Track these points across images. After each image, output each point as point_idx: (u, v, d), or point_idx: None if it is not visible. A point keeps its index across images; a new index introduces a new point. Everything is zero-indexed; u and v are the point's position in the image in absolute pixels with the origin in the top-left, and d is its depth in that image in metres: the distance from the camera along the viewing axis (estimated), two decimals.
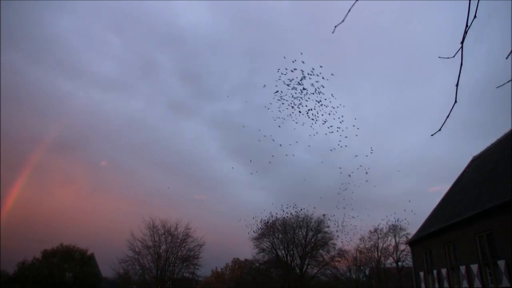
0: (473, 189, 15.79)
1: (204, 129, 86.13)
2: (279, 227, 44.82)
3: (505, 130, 16.43)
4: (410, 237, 31.07)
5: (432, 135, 2.96)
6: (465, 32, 2.57)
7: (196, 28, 76.88)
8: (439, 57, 2.94)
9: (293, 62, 14.54)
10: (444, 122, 2.77)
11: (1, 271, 45.19)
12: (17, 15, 66.35)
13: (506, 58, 2.46)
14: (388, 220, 51.92)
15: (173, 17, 75.65)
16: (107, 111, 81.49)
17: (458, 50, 2.58)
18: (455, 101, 2.74)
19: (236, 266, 54.62)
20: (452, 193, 18.97)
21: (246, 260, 51.37)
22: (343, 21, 2.91)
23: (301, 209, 43.44)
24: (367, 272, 47.43)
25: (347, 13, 2.85)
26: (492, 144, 17.70)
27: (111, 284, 47.12)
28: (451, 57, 2.66)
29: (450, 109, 2.71)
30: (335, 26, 2.99)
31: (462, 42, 2.59)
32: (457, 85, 2.71)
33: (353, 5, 2.84)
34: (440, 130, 2.84)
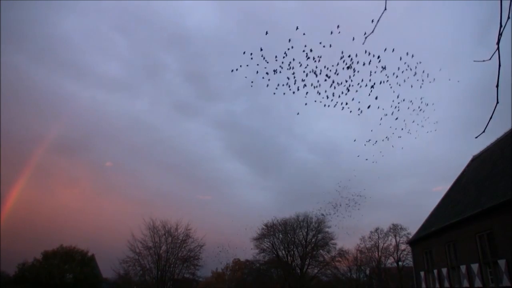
0: (473, 189, 15.81)
1: (209, 129, 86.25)
2: (280, 227, 44.88)
3: (505, 129, 16.45)
4: (410, 236, 31.11)
5: (476, 137, 3.03)
6: (500, 34, 2.58)
7: (202, 28, 76.86)
8: (474, 60, 2.98)
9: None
10: (488, 124, 2.80)
11: (1, 272, 45.21)
12: (21, 15, 66.40)
13: None
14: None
15: (179, 17, 75.52)
16: (111, 111, 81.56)
17: (495, 52, 2.60)
18: (497, 102, 2.75)
19: (237, 267, 54.60)
20: (452, 192, 18.98)
21: (246, 260, 51.37)
22: (372, 31, 2.96)
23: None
24: (367, 272, 47.46)
25: (376, 24, 2.89)
26: (492, 144, 17.71)
27: (111, 285, 47.09)
28: (487, 60, 2.67)
29: (493, 110, 2.73)
30: (365, 37, 3.05)
31: (498, 43, 2.61)
32: (497, 86, 2.72)
33: (381, 15, 2.87)
34: (484, 131, 2.88)
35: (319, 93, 13.22)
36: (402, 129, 15.03)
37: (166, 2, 75.74)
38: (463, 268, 14.13)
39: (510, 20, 2.54)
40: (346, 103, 13.43)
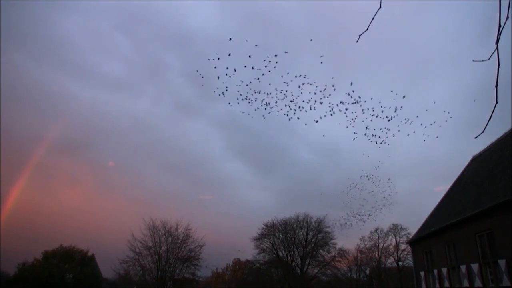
0: (473, 189, 15.81)
1: (210, 129, 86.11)
2: (280, 227, 44.89)
3: (505, 129, 16.45)
4: (410, 236, 31.09)
5: (475, 137, 3.05)
6: (499, 34, 2.59)
7: (205, 28, 76.60)
8: (473, 60, 2.99)
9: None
10: (487, 124, 2.81)
11: (1, 272, 45.22)
12: (23, 15, 66.39)
13: None
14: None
15: (181, 17, 75.32)
16: (113, 111, 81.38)
17: (494, 52, 2.61)
18: (496, 102, 2.76)
19: (237, 267, 54.62)
20: (452, 192, 18.99)
21: (246, 260, 51.38)
22: (367, 29, 2.95)
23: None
24: (367, 272, 47.46)
25: (371, 21, 2.88)
26: (492, 144, 17.71)
27: (111, 285, 47.11)
28: (486, 60, 2.68)
29: (492, 110, 2.73)
30: (359, 35, 3.03)
31: (497, 43, 2.62)
32: (496, 86, 2.73)
33: (376, 13, 2.87)
34: (483, 132, 2.89)
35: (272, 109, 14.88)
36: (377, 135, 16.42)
37: (168, 2, 75.63)
38: (463, 268, 14.13)
39: (509, 20, 2.55)
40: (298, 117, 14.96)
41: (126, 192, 77.56)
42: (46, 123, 74.57)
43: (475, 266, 13.29)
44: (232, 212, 75.42)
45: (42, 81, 71.78)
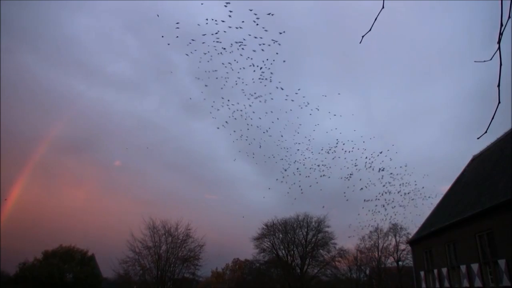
0: (473, 189, 15.81)
1: (216, 129, 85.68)
2: (280, 227, 44.90)
3: (505, 129, 16.45)
4: (410, 236, 31.10)
5: (478, 138, 3.06)
6: (501, 33, 2.60)
7: (213, 28, 75.66)
8: (475, 61, 3.01)
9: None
10: (490, 124, 2.80)
11: (1, 271, 45.24)
12: (30, 14, 66.27)
13: None
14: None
15: (190, 17, 74.58)
16: (119, 111, 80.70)
17: (496, 52, 2.61)
18: (499, 102, 2.76)
19: (237, 266, 54.63)
20: (452, 192, 18.99)
21: (246, 260, 51.41)
22: (370, 30, 2.96)
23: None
24: (367, 271, 47.44)
25: (374, 22, 2.88)
26: (492, 144, 17.71)
27: (111, 285, 47.11)
28: (488, 60, 2.69)
29: (494, 110, 2.72)
30: (362, 36, 3.05)
31: (498, 43, 2.62)
32: (498, 85, 2.74)
33: (378, 13, 2.87)
34: (486, 132, 2.89)
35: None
36: None
37: (177, 2, 75.12)
38: (463, 268, 14.13)
39: (510, 19, 2.54)
40: None
41: (130, 192, 77.48)
42: (51, 123, 74.30)
43: (475, 266, 13.29)
44: (234, 212, 75.33)
45: (48, 80, 71.54)
